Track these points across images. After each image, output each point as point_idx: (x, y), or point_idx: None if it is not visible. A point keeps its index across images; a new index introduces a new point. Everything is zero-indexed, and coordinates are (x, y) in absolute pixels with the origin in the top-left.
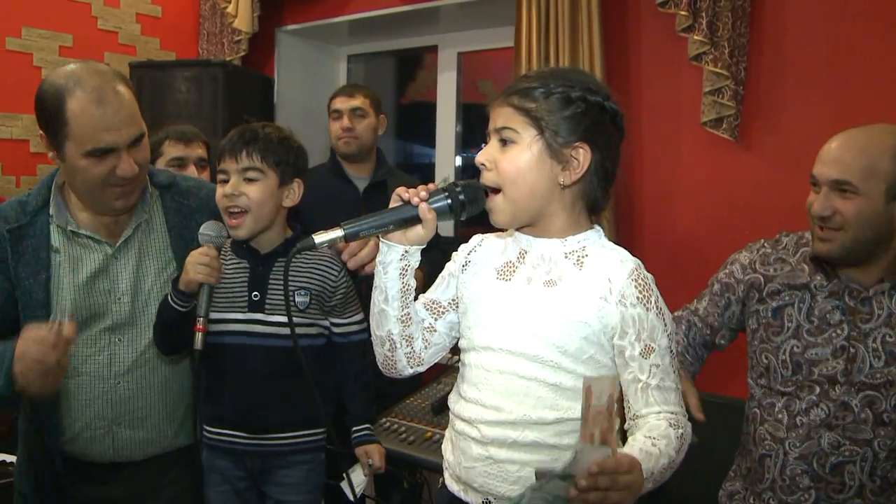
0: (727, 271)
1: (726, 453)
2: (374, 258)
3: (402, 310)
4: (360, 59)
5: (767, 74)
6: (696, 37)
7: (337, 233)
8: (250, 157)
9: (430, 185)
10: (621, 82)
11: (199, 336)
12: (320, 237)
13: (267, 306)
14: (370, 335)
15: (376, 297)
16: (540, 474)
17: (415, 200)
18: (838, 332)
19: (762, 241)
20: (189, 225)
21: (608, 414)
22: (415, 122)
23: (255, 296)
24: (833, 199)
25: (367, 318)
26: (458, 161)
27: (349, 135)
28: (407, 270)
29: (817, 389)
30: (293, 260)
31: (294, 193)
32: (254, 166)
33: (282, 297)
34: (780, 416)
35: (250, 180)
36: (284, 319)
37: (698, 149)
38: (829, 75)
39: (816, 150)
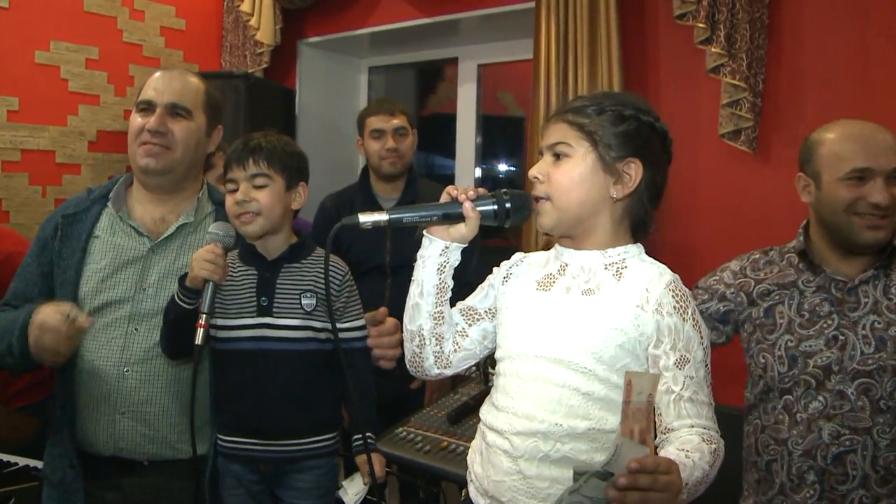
0: (716, 278)
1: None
2: (390, 350)
3: (436, 306)
4: (382, 71)
5: (786, 86)
6: (714, 49)
7: (382, 216)
8: (257, 164)
9: (481, 189)
10: (639, 94)
11: (200, 332)
12: (365, 217)
13: (275, 310)
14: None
15: (412, 290)
16: (578, 472)
17: (461, 198)
18: (829, 322)
19: (753, 252)
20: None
21: (647, 413)
22: (435, 134)
23: (264, 301)
24: (891, 187)
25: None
26: (478, 172)
27: (395, 155)
28: (445, 267)
29: (813, 382)
30: (299, 264)
31: (300, 196)
32: (261, 172)
33: (289, 301)
34: (780, 416)
35: (259, 187)
36: (293, 322)
37: (716, 161)
38: (849, 87)
39: None
